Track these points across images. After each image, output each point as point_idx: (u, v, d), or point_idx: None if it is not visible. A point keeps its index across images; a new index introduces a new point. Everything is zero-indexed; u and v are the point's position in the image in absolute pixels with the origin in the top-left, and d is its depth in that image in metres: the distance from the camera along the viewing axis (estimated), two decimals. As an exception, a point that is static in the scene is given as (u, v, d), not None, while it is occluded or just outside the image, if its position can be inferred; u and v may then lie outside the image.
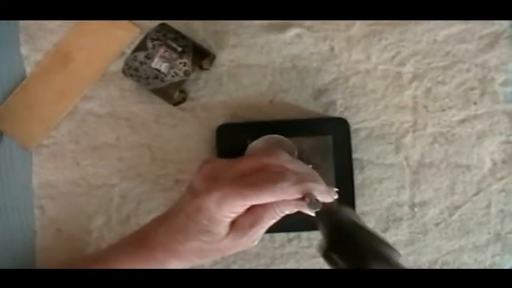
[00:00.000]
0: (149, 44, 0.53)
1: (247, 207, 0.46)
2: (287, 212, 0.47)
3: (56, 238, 0.57)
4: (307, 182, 0.46)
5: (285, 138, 0.54)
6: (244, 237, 0.47)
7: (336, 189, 0.49)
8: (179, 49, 0.54)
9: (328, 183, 0.54)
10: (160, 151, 0.57)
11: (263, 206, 0.47)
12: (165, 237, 0.47)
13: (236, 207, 0.45)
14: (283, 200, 0.46)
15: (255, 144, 0.54)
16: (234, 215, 0.46)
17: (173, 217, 0.48)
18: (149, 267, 0.48)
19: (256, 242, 0.48)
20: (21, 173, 0.57)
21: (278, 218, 0.47)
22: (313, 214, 0.47)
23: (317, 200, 0.45)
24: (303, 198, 0.46)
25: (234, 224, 0.47)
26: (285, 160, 0.48)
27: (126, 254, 0.49)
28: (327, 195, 0.48)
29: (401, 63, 0.58)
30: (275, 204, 0.47)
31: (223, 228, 0.46)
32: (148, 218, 0.57)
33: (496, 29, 0.58)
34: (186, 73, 0.54)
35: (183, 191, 0.49)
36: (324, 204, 0.45)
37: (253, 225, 0.47)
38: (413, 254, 0.57)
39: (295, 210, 0.47)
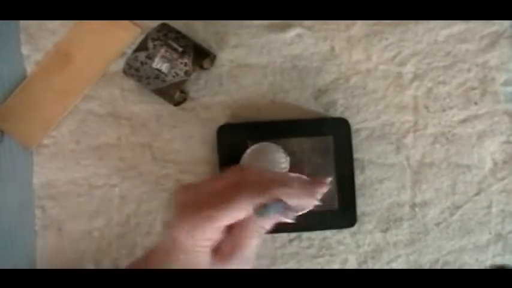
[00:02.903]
0: (150, 44, 0.53)
1: (221, 229, 0.42)
2: (268, 227, 0.44)
3: (56, 238, 0.57)
4: (271, 187, 0.42)
5: (274, 145, 0.54)
6: (230, 263, 0.43)
7: (328, 178, 0.46)
8: (180, 49, 0.54)
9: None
10: (161, 151, 0.57)
11: (240, 226, 0.43)
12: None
13: (208, 232, 0.42)
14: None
15: (246, 156, 0.53)
16: (210, 242, 0.43)
17: (156, 252, 0.45)
18: None
19: (250, 263, 0.45)
20: (22, 172, 0.57)
21: (260, 235, 0.44)
22: (291, 221, 0.43)
23: (278, 201, 0.41)
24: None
25: (216, 251, 0.43)
26: (251, 172, 0.45)
27: None
28: (308, 198, 0.44)
29: (402, 63, 0.58)
30: (251, 221, 0.43)
31: (203, 259, 0.43)
32: (148, 218, 0.57)
33: (496, 29, 0.58)
34: (187, 73, 0.54)
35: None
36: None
37: (234, 248, 0.43)
38: (414, 254, 0.57)
39: (276, 221, 0.44)
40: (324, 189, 0.45)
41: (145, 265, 0.46)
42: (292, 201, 0.43)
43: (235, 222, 0.43)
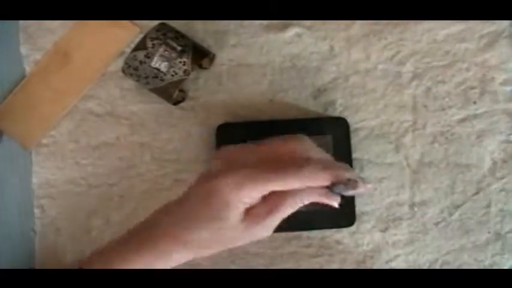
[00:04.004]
0: (149, 43, 0.53)
1: (266, 193, 0.43)
2: (307, 202, 0.45)
3: (55, 237, 0.57)
4: (337, 168, 0.43)
5: None
6: (259, 226, 0.44)
7: (370, 185, 0.47)
8: (179, 48, 0.54)
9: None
10: (160, 150, 0.57)
11: (281, 194, 0.44)
12: (170, 227, 0.45)
13: (255, 191, 0.43)
14: (307, 187, 0.43)
15: None
16: (249, 201, 0.43)
17: (182, 204, 0.45)
18: (152, 261, 0.45)
19: (270, 233, 0.46)
20: (21, 172, 0.57)
21: (297, 207, 0.45)
22: (336, 205, 0.45)
23: (353, 179, 0.43)
24: (328, 187, 0.43)
25: (248, 212, 0.44)
26: (311, 146, 0.46)
27: (128, 248, 0.46)
28: (361, 183, 0.45)
29: (401, 63, 0.58)
30: (296, 193, 0.44)
31: (237, 214, 0.43)
32: (148, 218, 0.57)
33: (495, 28, 0.58)
34: (186, 72, 0.54)
35: (195, 179, 0.46)
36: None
37: (269, 213, 0.44)
38: (413, 254, 0.57)
39: (318, 200, 0.45)
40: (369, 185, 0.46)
41: (161, 217, 0.46)
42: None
43: (277, 191, 0.43)
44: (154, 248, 0.45)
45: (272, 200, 0.44)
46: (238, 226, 0.44)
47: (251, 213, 0.44)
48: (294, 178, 0.42)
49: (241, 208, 0.43)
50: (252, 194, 0.43)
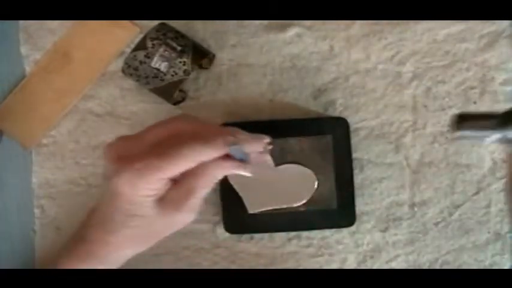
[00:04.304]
0: (149, 43, 0.53)
1: (166, 180, 0.42)
2: (220, 176, 0.43)
3: (55, 237, 0.57)
4: (224, 135, 0.42)
5: None
6: (178, 212, 0.43)
7: (267, 136, 0.46)
8: (179, 48, 0.54)
9: (327, 183, 0.55)
10: (160, 150, 0.57)
11: (193, 175, 0.42)
12: (97, 231, 0.44)
13: (153, 182, 0.41)
14: (214, 162, 0.42)
15: None
16: (154, 192, 0.42)
17: (99, 208, 0.45)
18: (90, 266, 0.45)
19: (194, 217, 0.44)
20: (21, 172, 0.57)
21: (213, 184, 0.43)
22: (248, 174, 0.43)
23: (242, 138, 0.42)
24: (229, 157, 0.42)
25: (162, 201, 0.43)
26: (194, 120, 0.44)
27: (68, 255, 0.46)
28: (257, 142, 0.44)
29: (401, 63, 0.58)
30: (206, 170, 0.42)
31: (148, 208, 0.42)
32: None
33: (496, 28, 0.57)
34: (186, 72, 0.54)
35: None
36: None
37: (186, 198, 0.42)
38: (413, 254, 0.57)
39: (232, 172, 0.43)
40: (267, 140, 0.45)
41: (89, 222, 0.46)
42: (249, 147, 0.43)
43: (186, 172, 0.42)
44: (92, 254, 0.45)
45: (185, 183, 0.43)
46: (158, 219, 0.43)
47: (165, 202, 0.43)
48: (184, 159, 0.41)
49: (148, 202, 0.42)
50: (150, 186, 0.41)
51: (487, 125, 0.38)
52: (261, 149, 0.44)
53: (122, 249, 0.45)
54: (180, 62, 0.53)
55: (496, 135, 0.38)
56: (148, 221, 0.43)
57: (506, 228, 0.57)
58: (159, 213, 0.43)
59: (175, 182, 0.43)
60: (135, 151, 0.42)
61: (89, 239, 0.45)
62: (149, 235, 0.44)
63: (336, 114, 0.57)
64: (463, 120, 0.38)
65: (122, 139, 0.45)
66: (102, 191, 0.46)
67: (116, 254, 0.45)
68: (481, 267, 0.57)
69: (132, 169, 0.41)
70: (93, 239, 0.45)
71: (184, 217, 0.44)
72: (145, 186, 0.41)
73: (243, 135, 0.44)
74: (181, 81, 0.54)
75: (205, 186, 0.43)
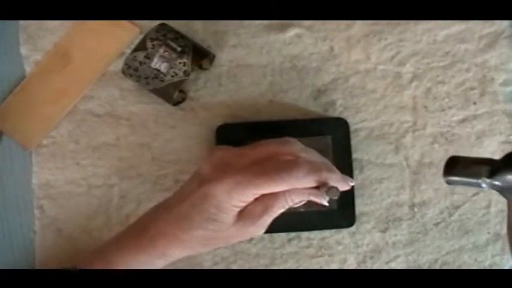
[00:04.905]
0: (149, 44, 0.53)
1: (258, 196, 0.45)
2: (297, 201, 0.47)
3: (55, 238, 0.57)
4: (322, 171, 0.46)
5: None
6: (253, 226, 0.46)
7: (352, 179, 0.50)
8: (179, 49, 0.54)
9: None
10: (160, 151, 0.57)
11: (273, 195, 0.46)
12: (167, 225, 0.46)
13: (247, 196, 0.45)
14: (295, 188, 0.45)
15: None
16: (243, 204, 0.45)
17: (176, 205, 0.47)
18: (151, 258, 0.47)
19: (263, 231, 0.48)
20: (21, 173, 0.57)
21: (288, 206, 0.47)
22: (325, 203, 0.47)
23: (334, 187, 0.45)
24: (317, 188, 0.46)
25: (242, 212, 0.46)
26: (298, 149, 0.48)
27: (126, 245, 0.48)
28: (344, 183, 0.48)
29: (401, 63, 0.58)
30: (286, 193, 0.46)
31: (231, 217, 0.45)
32: (148, 218, 0.57)
33: (495, 28, 0.58)
34: (186, 73, 0.54)
35: (188, 178, 0.48)
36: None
37: (262, 214, 0.46)
38: (413, 254, 0.57)
39: (307, 199, 0.47)
40: (352, 183, 0.50)
41: (156, 215, 0.48)
42: (336, 185, 0.46)
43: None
44: (153, 246, 0.47)
45: (265, 200, 0.46)
46: (232, 227, 0.46)
47: (245, 214, 0.46)
48: (282, 183, 0.44)
49: (234, 211, 0.45)
50: (242, 198, 0.45)
51: (480, 172, 0.37)
52: (346, 189, 0.48)
53: (187, 247, 0.47)
54: (180, 62, 0.53)
55: (489, 183, 0.37)
56: (223, 227, 0.46)
57: (506, 228, 0.57)
58: (236, 222, 0.46)
59: (256, 197, 0.46)
60: (236, 164, 0.46)
61: (155, 232, 0.47)
62: (218, 239, 0.47)
63: (336, 114, 0.57)
64: (455, 164, 0.38)
65: (224, 150, 0.49)
66: (181, 188, 0.49)
67: (179, 251, 0.47)
68: (481, 267, 0.56)
69: (233, 180, 0.44)
70: (161, 232, 0.46)
71: (255, 231, 0.47)
72: (239, 198, 0.45)
73: (335, 174, 0.47)
74: (181, 82, 0.54)
75: (282, 207, 0.47)
